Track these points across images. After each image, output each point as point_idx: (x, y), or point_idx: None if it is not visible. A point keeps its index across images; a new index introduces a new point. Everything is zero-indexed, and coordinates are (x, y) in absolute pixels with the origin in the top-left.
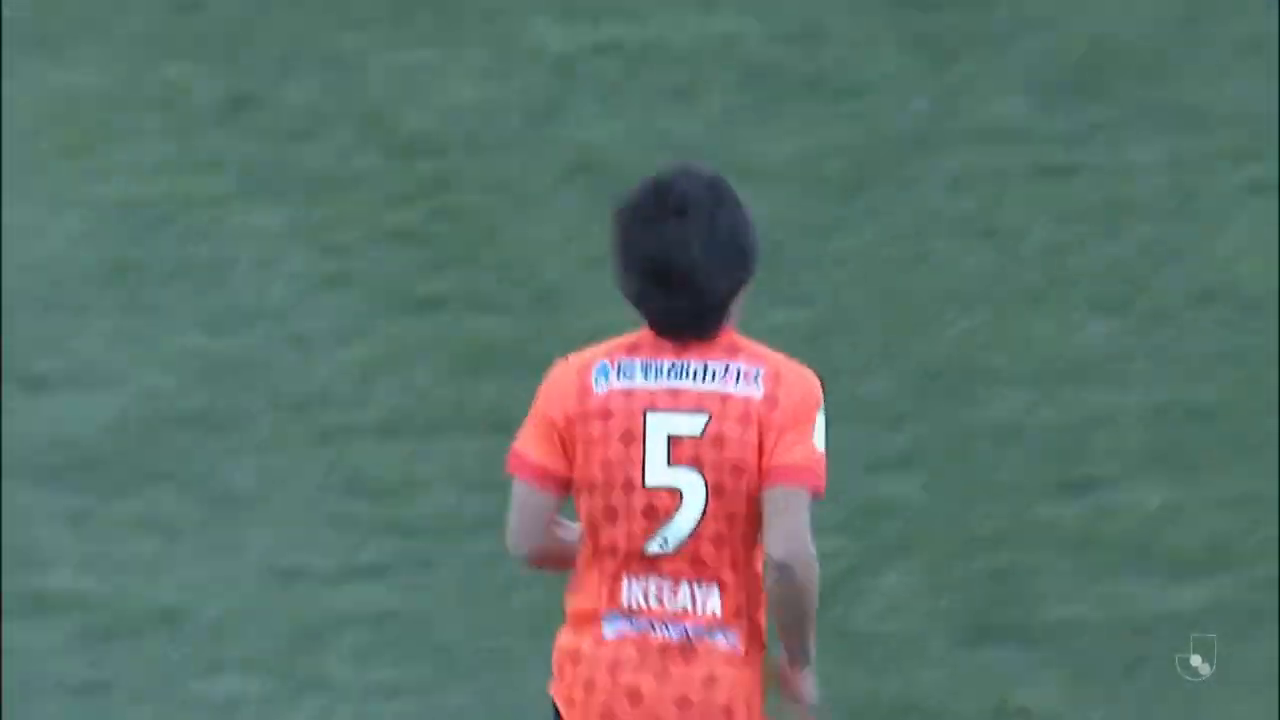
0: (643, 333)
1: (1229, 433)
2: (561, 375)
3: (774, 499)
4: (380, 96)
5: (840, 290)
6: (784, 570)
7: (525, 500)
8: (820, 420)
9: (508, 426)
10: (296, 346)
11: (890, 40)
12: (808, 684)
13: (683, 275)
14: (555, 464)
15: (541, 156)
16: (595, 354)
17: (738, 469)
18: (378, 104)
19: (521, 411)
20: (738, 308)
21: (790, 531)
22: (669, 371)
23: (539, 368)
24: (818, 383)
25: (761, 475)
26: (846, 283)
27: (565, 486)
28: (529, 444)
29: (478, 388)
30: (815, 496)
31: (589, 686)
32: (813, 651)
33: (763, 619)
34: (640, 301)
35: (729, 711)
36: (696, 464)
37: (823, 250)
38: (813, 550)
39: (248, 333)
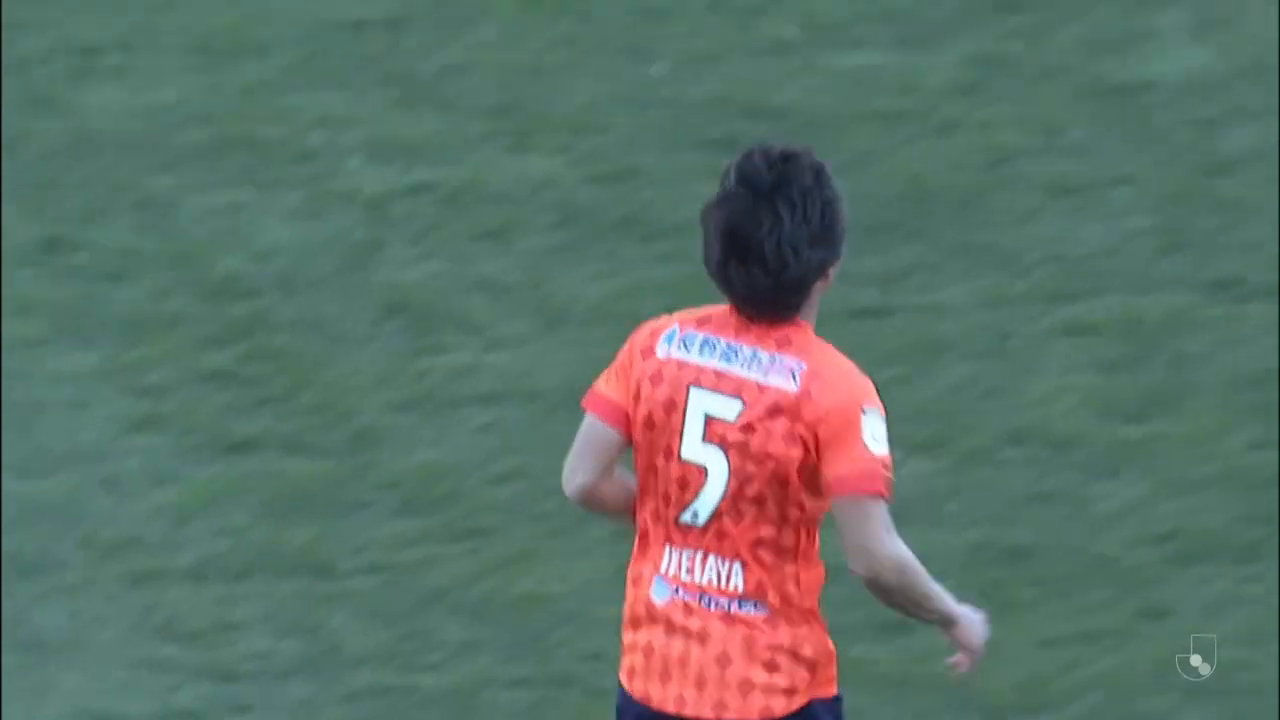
0: (722, 308)
1: (1043, 573)
2: (642, 330)
3: (839, 512)
4: (193, 238)
5: None
6: (869, 582)
7: (588, 433)
8: (870, 420)
9: (323, 569)
10: (109, 489)
11: (705, 180)
12: (966, 634)
13: (769, 255)
14: (625, 401)
15: (356, 297)
16: (674, 318)
17: (761, 458)
18: (190, 245)
19: (337, 554)
20: (821, 289)
21: (859, 546)
22: (722, 353)
23: (354, 509)
24: (866, 385)
25: (826, 486)
26: None
27: (629, 427)
28: (605, 383)
29: (292, 530)
30: (880, 499)
31: (648, 651)
32: (950, 607)
33: (795, 589)
34: (719, 276)
35: (771, 665)
36: (724, 445)
37: None
38: (891, 550)
39: (60, 476)
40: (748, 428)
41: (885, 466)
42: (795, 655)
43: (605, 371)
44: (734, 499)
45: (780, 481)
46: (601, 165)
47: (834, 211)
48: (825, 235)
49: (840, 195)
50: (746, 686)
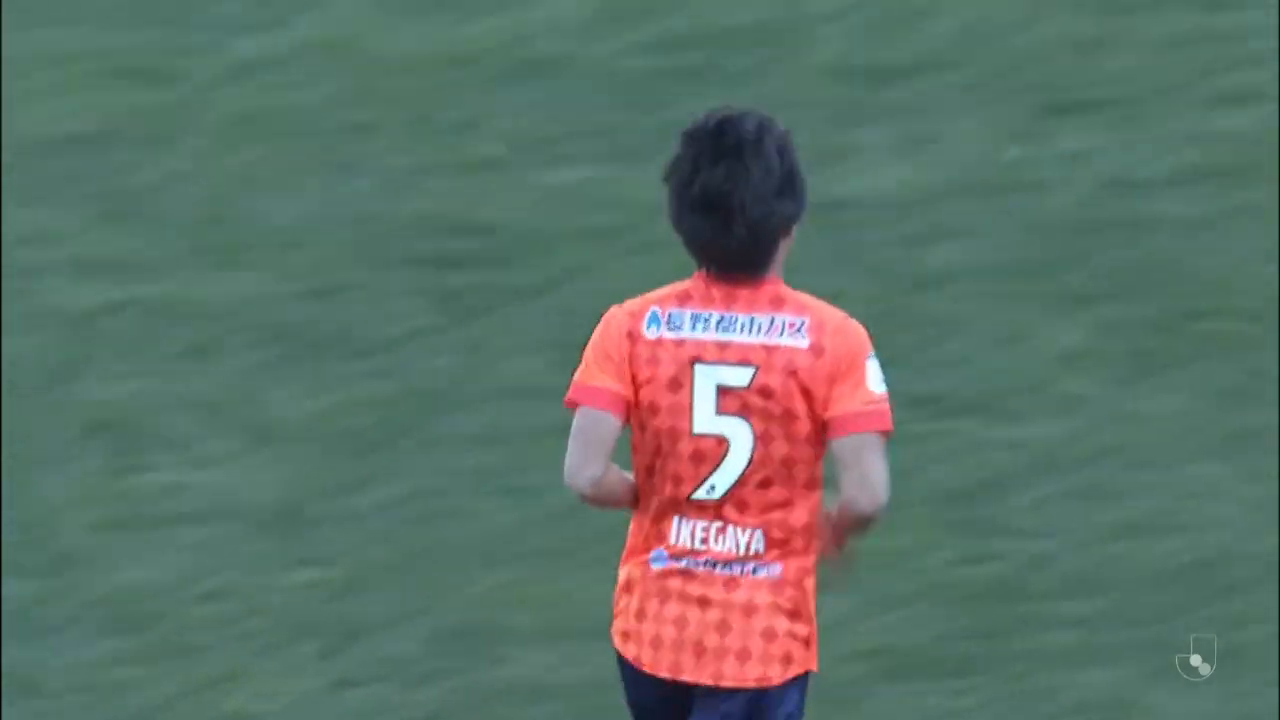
0: (693, 281)
1: None
2: (615, 319)
3: (843, 450)
4: None
5: (363, 548)
6: (873, 516)
7: (585, 425)
8: (872, 364)
9: (29, 691)
10: None
11: (413, 297)
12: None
13: (738, 208)
14: (618, 386)
15: (60, 414)
16: (648, 301)
17: (786, 417)
18: None
19: (45, 674)
20: (785, 248)
21: (865, 479)
22: (717, 324)
23: (61, 629)
24: (862, 329)
25: (826, 428)
26: (368, 540)
27: (627, 410)
28: (588, 375)
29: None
30: (884, 436)
31: (640, 615)
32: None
33: (806, 556)
34: (693, 238)
35: (769, 634)
36: (744, 413)
37: (345, 508)
38: (886, 494)
39: None
40: (765, 389)
41: (886, 405)
42: (795, 624)
43: (584, 366)
44: (760, 464)
45: (798, 440)
46: (309, 282)
47: (795, 163)
48: (791, 187)
49: (796, 154)
50: (743, 654)
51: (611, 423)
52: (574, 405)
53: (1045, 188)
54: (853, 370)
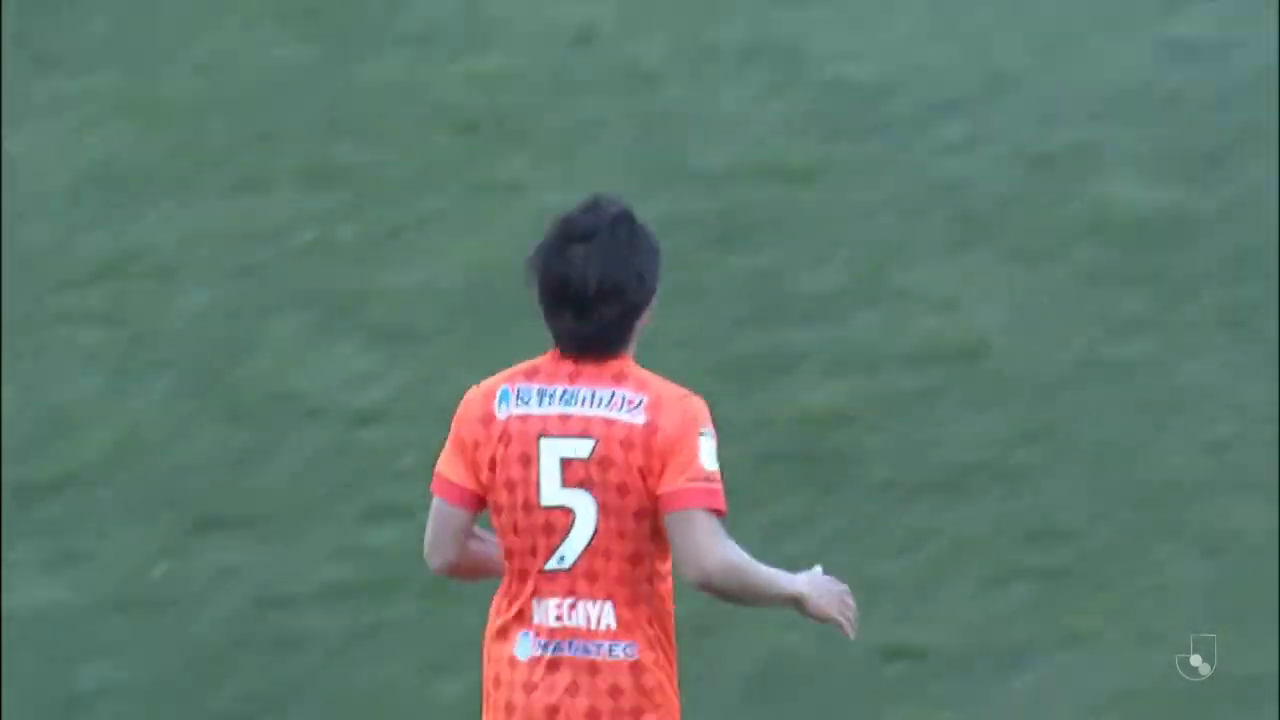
0: (545, 357)
1: None
2: (471, 401)
3: (671, 525)
4: None
5: None
6: (705, 588)
7: (438, 514)
8: (705, 441)
9: None
10: None
11: None
12: (817, 606)
13: (581, 296)
14: (466, 481)
15: None
16: (499, 380)
17: (622, 489)
18: None
19: None
20: (639, 329)
21: (691, 555)
22: (561, 398)
23: None
24: (700, 406)
25: (658, 504)
26: None
27: (477, 503)
28: (445, 464)
29: None
30: (714, 513)
31: (509, 709)
32: (786, 589)
33: (668, 624)
34: (547, 320)
35: (637, 712)
36: (587, 485)
37: None
38: (720, 555)
39: None
40: (605, 461)
41: (717, 482)
42: (653, 698)
43: (445, 451)
44: (603, 535)
45: (639, 513)
46: None
47: (645, 250)
48: (633, 280)
49: (650, 234)
50: None
51: (461, 516)
52: (432, 489)
53: (194, 604)
54: (684, 447)
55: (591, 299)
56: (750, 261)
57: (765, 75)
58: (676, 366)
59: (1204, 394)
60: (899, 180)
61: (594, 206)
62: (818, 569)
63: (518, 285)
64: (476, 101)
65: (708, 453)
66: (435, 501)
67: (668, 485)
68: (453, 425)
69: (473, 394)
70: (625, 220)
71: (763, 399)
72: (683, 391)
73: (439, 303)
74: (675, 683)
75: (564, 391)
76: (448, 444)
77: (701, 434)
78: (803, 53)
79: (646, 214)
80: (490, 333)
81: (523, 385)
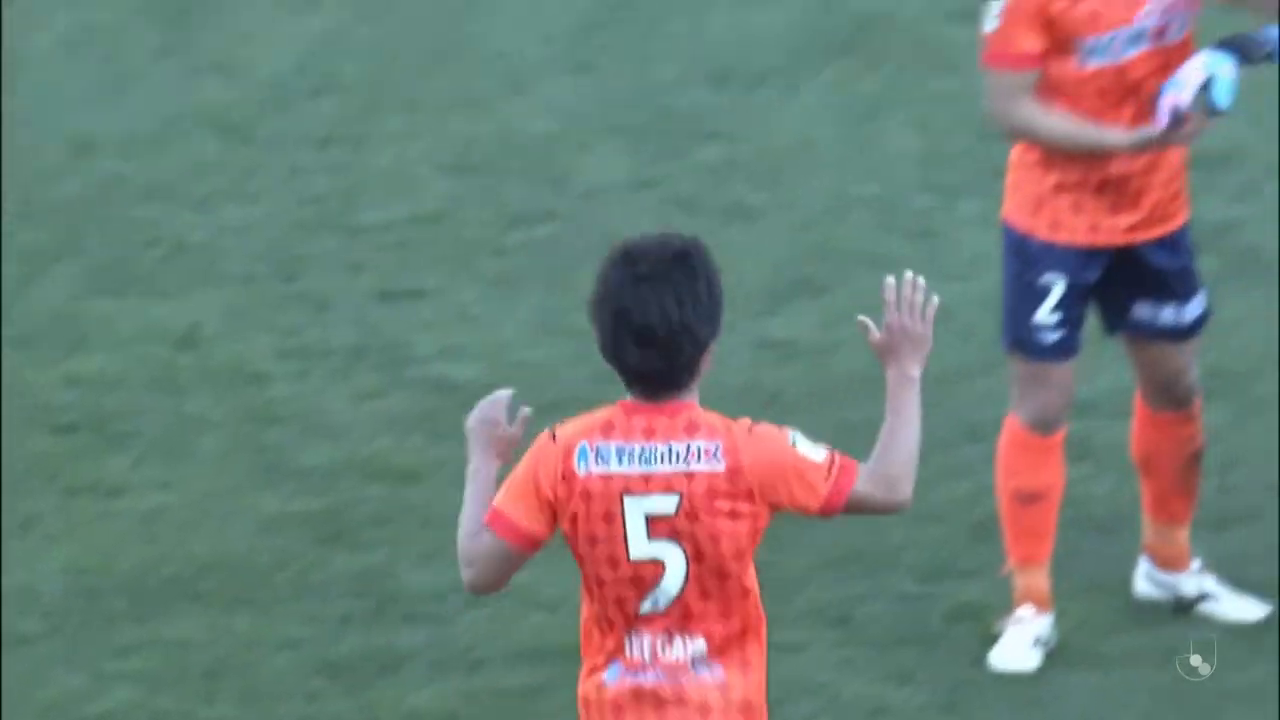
0: (615, 409)
1: None
2: (548, 453)
3: (850, 510)
4: None
5: None
6: (905, 504)
7: (497, 553)
8: (800, 444)
9: None
10: None
11: None
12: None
13: (647, 333)
14: (536, 528)
15: None
16: (576, 434)
17: (713, 537)
18: None
19: None
20: (704, 369)
21: (882, 509)
22: (640, 457)
23: None
24: (767, 426)
25: (826, 515)
26: None
27: (538, 545)
28: (512, 505)
29: None
30: (856, 474)
31: None
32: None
33: (760, 632)
34: (613, 359)
35: None
36: (675, 537)
37: None
38: (903, 494)
39: None
40: (692, 514)
41: (837, 460)
42: (746, 713)
43: (507, 491)
44: (695, 580)
45: (734, 555)
46: None
47: (714, 289)
48: (709, 312)
49: (714, 272)
50: None
51: (523, 558)
52: (490, 526)
53: None
54: (784, 467)
55: (658, 337)
56: (357, 560)
57: (371, 375)
58: (283, 668)
59: None
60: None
61: (660, 242)
62: None
63: (119, 586)
64: (77, 403)
65: (808, 448)
66: (495, 542)
67: (811, 502)
68: (524, 468)
69: (548, 446)
70: (691, 256)
71: (369, 697)
72: (746, 423)
73: (37, 607)
74: (764, 691)
75: (642, 450)
76: (515, 484)
77: (793, 444)
78: (408, 352)
79: (254, 514)
80: (91, 635)
81: (601, 443)
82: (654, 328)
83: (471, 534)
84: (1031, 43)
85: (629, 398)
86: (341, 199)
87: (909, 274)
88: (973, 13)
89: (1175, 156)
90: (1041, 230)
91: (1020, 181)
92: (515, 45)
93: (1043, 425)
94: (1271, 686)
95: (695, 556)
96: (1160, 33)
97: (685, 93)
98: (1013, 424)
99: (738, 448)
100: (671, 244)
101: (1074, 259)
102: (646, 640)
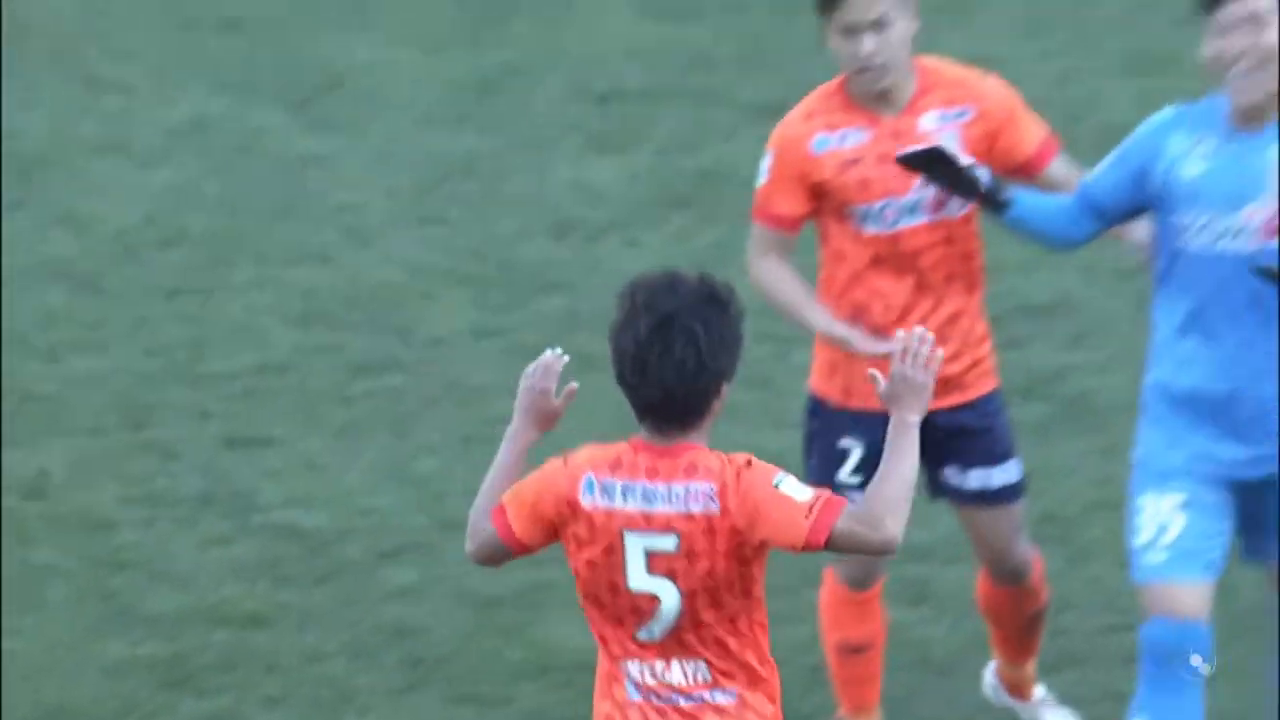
0: (625, 446)
1: None
2: (557, 478)
3: (833, 547)
4: None
5: None
6: (891, 547)
7: (490, 544)
8: (786, 484)
9: None
10: None
11: None
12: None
13: (655, 373)
14: (530, 539)
15: None
16: (584, 463)
17: (709, 574)
18: None
19: None
20: (716, 409)
21: (866, 547)
22: (641, 495)
23: None
24: (759, 465)
25: (809, 551)
26: None
27: (532, 553)
28: (515, 510)
29: None
30: (838, 513)
31: None
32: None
33: (763, 651)
34: (627, 389)
35: None
36: (670, 574)
37: None
38: (888, 531)
39: None
40: (690, 554)
41: (821, 498)
42: None
43: (515, 496)
44: (689, 613)
45: (728, 588)
46: None
47: (727, 333)
48: (719, 354)
49: (732, 318)
50: None
51: (509, 555)
52: (493, 520)
53: None
54: (767, 506)
55: (669, 378)
56: (204, 705)
57: (218, 522)
58: None
59: None
60: (350, 625)
61: (673, 282)
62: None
63: None
64: None
65: (793, 488)
66: (493, 534)
67: (794, 539)
68: (532, 485)
69: (558, 471)
70: (704, 298)
71: None
72: (739, 462)
73: None
74: (779, 702)
75: (644, 489)
76: (521, 494)
77: (777, 485)
78: (255, 500)
79: (101, 660)
80: None
81: (607, 479)
82: (666, 373)
83: (481, 512)
84: (788, 205)
85: (641, 433)
86: (189, 349)
87: (918, 328)
88: None
89: (972, 329)
90: (835, 395)
91: (819, 345)
92: (360, 199)
93: (857, 582)
94: None
95: (689, 594)
96: (939, 205)
97: (528, 244)
98: (830, 580)
99: (727, 490)
100: (701, 285)
101: (869, 423)
102: (647, 665)
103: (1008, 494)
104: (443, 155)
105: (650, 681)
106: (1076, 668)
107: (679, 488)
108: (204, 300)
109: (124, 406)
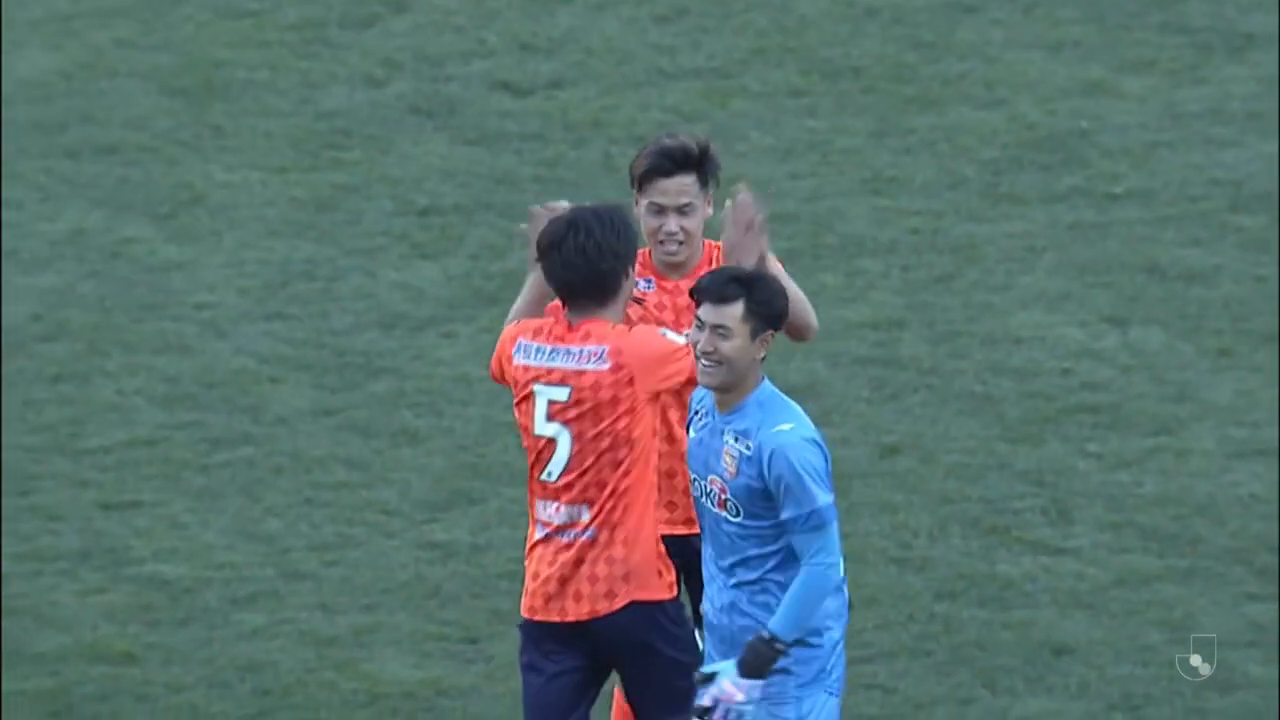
0: (550, 319)
1: None
2: (506, 338)
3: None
4: None
5: None
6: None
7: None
8: (666, 336)
9: None
10: None
11: None
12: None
13: (568, 257)
14: (496, 374)
15: None
16: (521, 329)
17: (595, 421)
18: None
19: None
20: (625, 297)
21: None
22: (549, 355)
23: None
24: (642, 326)
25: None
26: None
27: (498, 380)
28: (495, 350)
29: None
30: (686, 357)
31: (534, 576)
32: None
33: (630, 516)
34: (548, 274)
35: (593, 579)
36: (564, 420)
37: None
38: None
39: None
40: (579, 403)
41: (680, 345)
42: (614, 568)
43: (499, 342)
44: (577, 457)
45: (612, 436)
46: None
47: (621, 229)
48: (614, 241)
49: (623, 220)
50: (578, 595)
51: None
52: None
53: None
54: (654, 360)
55: (574, 260)
56: None
57: (95, 574)
58: None
59: None
60: (208, 661)
61: (581, 205)
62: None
63: None
64: None
65: (671, 337)
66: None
67: (663, 376)
68: (502, 337)
69: (509, 332)
70: (601, 209)
71: None
72: (621, 328)
73: None
74: (653, 552)
75: (551, 350)
76: (501, 340)
77: (662, 335)
78: (127, 554)
79: None
80: None
81: (528, 342)
82: (572, 255)
83: (509, 319)
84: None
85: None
86: (70, 426)
87: (742, 193)
88: None
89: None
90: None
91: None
92: (216, 299)
93: None
94: None
95: (578, 437)
96: None
97: (360, 336)
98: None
99: (619, 351)
100: (600, 204)
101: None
102: (550, 505)
103: None
104: (287, 261)
105: (550, 519)
106: None
107: (575, 349)
108: (82, 385)
109: (13, 476)
